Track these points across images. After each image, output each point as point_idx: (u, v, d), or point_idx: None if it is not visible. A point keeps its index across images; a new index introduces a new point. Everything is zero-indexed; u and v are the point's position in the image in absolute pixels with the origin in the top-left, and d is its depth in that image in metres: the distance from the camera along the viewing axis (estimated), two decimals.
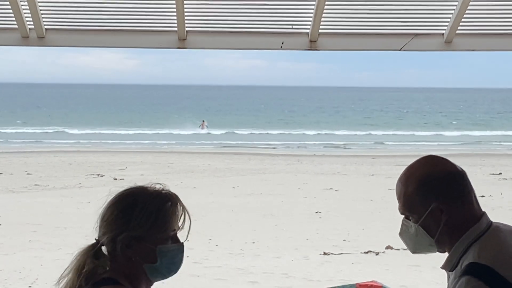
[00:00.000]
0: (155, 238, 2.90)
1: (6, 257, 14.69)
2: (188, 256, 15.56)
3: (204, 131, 62.85)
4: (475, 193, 3.10)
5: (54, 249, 15.25)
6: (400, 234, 3.14)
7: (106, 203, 2.95)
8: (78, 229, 16.98)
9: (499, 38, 6.18)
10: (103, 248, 2.93)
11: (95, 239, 2.97)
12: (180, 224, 2.99)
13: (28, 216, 19.14)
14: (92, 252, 2.93)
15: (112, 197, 2.96)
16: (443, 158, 3.13)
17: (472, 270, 2.88)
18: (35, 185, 25.46)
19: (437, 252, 3.13)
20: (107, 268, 2.90)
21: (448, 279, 3.10)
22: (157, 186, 2.99)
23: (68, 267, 2.94)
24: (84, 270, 2.88)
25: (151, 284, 2.99)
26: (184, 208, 3.01)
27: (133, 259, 2.89)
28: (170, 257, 2.94)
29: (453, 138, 55.91)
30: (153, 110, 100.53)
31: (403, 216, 3.14)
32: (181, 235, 3.04)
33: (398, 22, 6.14)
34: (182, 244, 3.00)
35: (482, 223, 3.02)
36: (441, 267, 3.10)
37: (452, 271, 3.00)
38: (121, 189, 2.99)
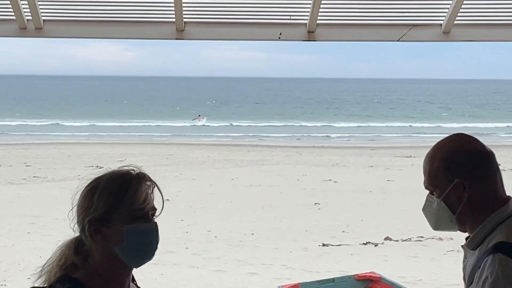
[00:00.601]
0: (120, 218, 2.79)
1: (5, 249, 14.71)
2: (187, 248, 15.58)
3: (200, 123, 62.91)
4: (501, 176, 3.13)
5: (53, 241, 15.14)
6: (424, 209, 3.14)
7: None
8: None
9: (497, 29, 6.17)
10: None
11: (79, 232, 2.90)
12: (148, 202, 2.84)
13: (27, 208, 19.16)
14: (73, 246, 2.88)
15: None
16: (472, 136, 3.17)
17: (502, 248, 2.91)
18: (34, 177, 25.47)
19: (457, 231, 3.13)
20: (86, 262, 2.84)
21: (464, 260, 3.11)
22: (127, 168, 2.89)
23: (51, 257, 2.90)
24: (61, 263, 2.84)
25: (130, 270, 2.89)
26: (152, 187, 2.87)
27: (103, 243, 2.81)
28: (139, 237, 2.82)
29: (452, 130, 55.95)
30: (152, 102, 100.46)
31: (427, 192, 3.14)
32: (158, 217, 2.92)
33: (396, 13, 6.13)
34: (152, 223, 2.85)
35: (509, 206, 3.05)
36: (462, 246, 3.11)
37: (475, 249, 3.01)
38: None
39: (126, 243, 2.80)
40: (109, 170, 2.91)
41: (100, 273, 2.83)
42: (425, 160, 3.13)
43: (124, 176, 2.85)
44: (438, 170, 3.05)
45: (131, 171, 2.87)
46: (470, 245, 3.04)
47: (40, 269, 2.92)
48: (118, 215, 2.80)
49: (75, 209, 2.88)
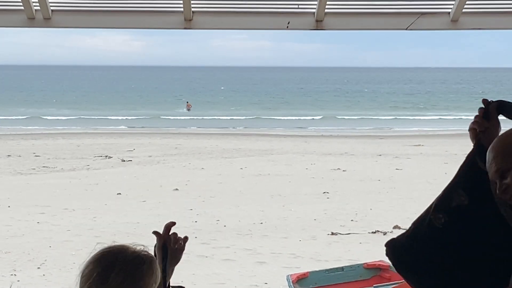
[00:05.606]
0: None
1: (15, 239, 14.76)
2: (196, 237, 15.60)
3: (189, 113, 62.98)
4: None
5: (63, 230, 15.31)
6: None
7: (88, 258, 2.94)
8: (86, 210, 17.04)
9: (506, 17, 6.15)
10: None
11: None
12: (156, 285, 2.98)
13: (36, 198, 19.21)
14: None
15: (95, 253, 2.95)
16: None
17: None
18: (44, 167, 25.52)
19: None
20: None
21: None
22: (138, 248, 2.97)
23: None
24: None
25: None
26: (160, 270, 3.02)
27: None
28: None
29: (458, 120, 55.79)
30: (159, 92, 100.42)
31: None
32: None
33: (404, 1, 6.11)
34: None
35: None
36: None
37: None
38: (104, 246, 2.97)
39: None
40: (120, 245, 2.99)
41: None
42: (496, 146, 3.01)
43: (139, 259, 2.97)
44: None
45: (142, 252, 2.99)
46: None
47: None
48: None
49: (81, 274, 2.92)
